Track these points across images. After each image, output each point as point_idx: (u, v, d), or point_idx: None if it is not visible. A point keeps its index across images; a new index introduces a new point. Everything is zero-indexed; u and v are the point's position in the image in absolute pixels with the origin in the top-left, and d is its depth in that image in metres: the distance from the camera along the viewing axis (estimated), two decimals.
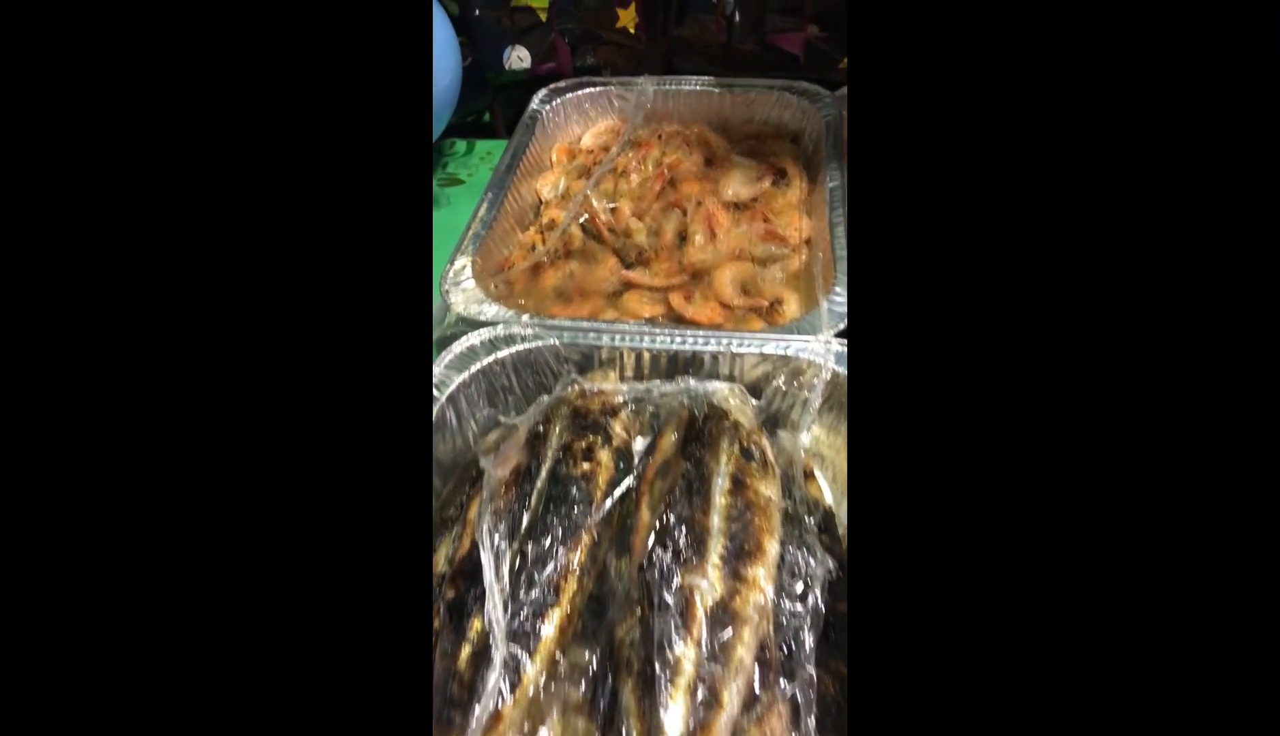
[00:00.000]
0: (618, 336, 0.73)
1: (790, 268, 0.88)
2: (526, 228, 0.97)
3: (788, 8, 1.01)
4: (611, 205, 0.96)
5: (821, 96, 1.05)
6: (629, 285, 0.86)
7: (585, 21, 1.06)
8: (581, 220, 0.95)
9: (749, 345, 0.71)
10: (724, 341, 0.71)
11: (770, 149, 1.04)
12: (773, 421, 0.71)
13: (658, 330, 0.73)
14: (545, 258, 0.89)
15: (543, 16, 1.05)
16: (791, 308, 0.83)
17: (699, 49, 1.08)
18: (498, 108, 1.21)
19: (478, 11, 1.09)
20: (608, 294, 0.86)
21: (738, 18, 1.02)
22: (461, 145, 1.20)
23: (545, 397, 0.67)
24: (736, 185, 0.98)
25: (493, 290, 0.85)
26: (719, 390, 0.65)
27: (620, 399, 0.66)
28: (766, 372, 0.71)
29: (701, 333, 0.72)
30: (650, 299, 0.85)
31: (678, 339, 0.72)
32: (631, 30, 1.05)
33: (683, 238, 0.92)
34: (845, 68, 1.07)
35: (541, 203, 1.00)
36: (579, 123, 1.12)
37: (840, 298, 0.76)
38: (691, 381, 0.67)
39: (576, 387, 0.66)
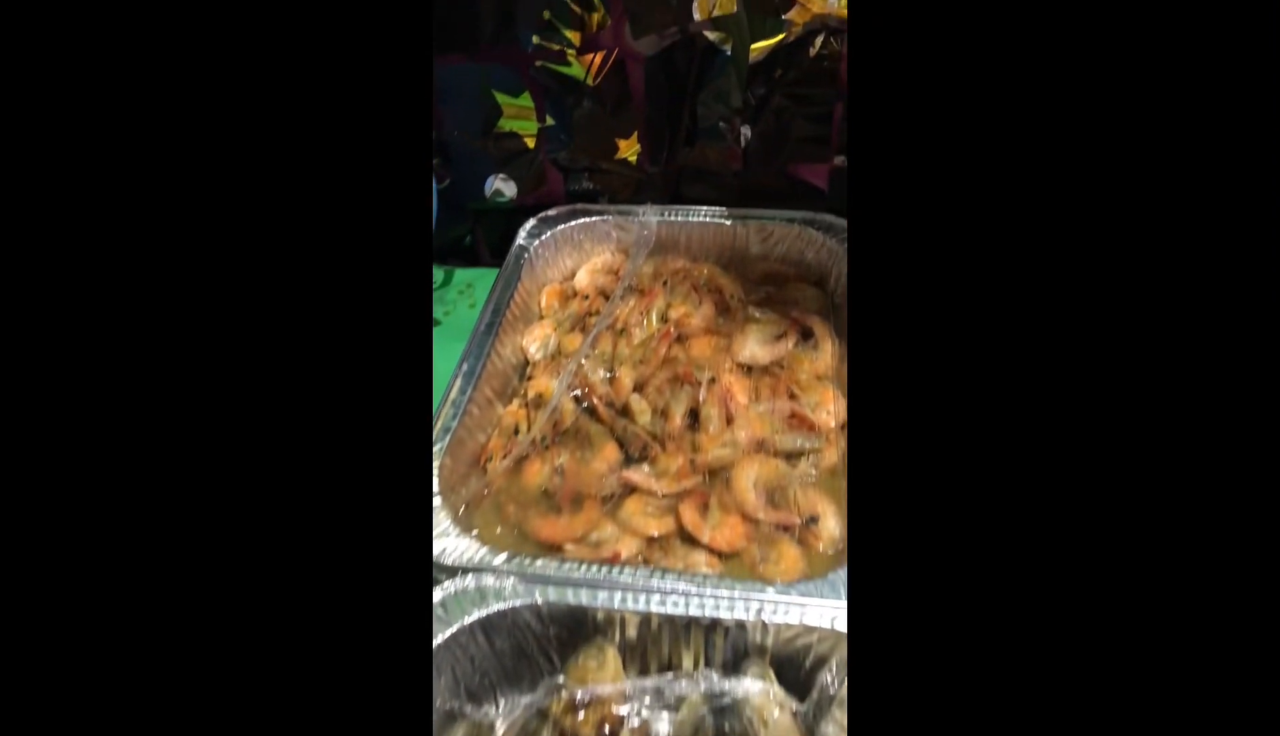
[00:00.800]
0: (616, 594, 0.58)
1: (824, 462, 0.74)
2: (509, 398, 0.82)
3: (814, 137, 0.88)
4: (609, 374, 0.81)
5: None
6: (631, 488, 0.71)
7: (580, 151, 0.92)
8: (575, 392, 0.80)
9: (785, 612, 0.56)
10: (752, 604, 0.56)
11: (792, 296, 0.90)
12: (819, 710, 0.56)
13: (667, 585, 0.58)
14: (531, 447, 0.75)
15: (530, 143, 0.92)
16: (830, 525, 0.68)
17: (709, 177, 0.95)
18: (480, 231, 1.07)
19: (456, 131, 0.96)
20: (605, 498, 0.71)
21: (753, 146, 0.90)
22: (438, 275, 1.06)
23: (525, 700, 0.52)
24: (754, 346, 0.83)
25: (465, 496, 0.70)
26: (752, 697, 0.50)
27: (622, 711, 0.50)
28: (809, 646, 0.56)
29: (724, 590, 0.57)
30: (657, 509, 0.70)
31: (694, 601, 0.57)
32: (633, 161, 0.92)
33: (695, 417, 0.77)
34: None
35: (528, 362, 0.86)
36: (573, 256, 0.98)
37: None
38: (715, 676, 0.52)
39: (563, 696, 0.51)
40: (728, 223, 0.96)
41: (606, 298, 0.91)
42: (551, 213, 0.97)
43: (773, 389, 0.80)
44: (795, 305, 0.89)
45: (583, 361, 0.81)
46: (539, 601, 0.57)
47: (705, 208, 0.96)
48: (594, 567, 0.60)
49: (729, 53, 0.81)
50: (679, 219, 0.97)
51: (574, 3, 0.77)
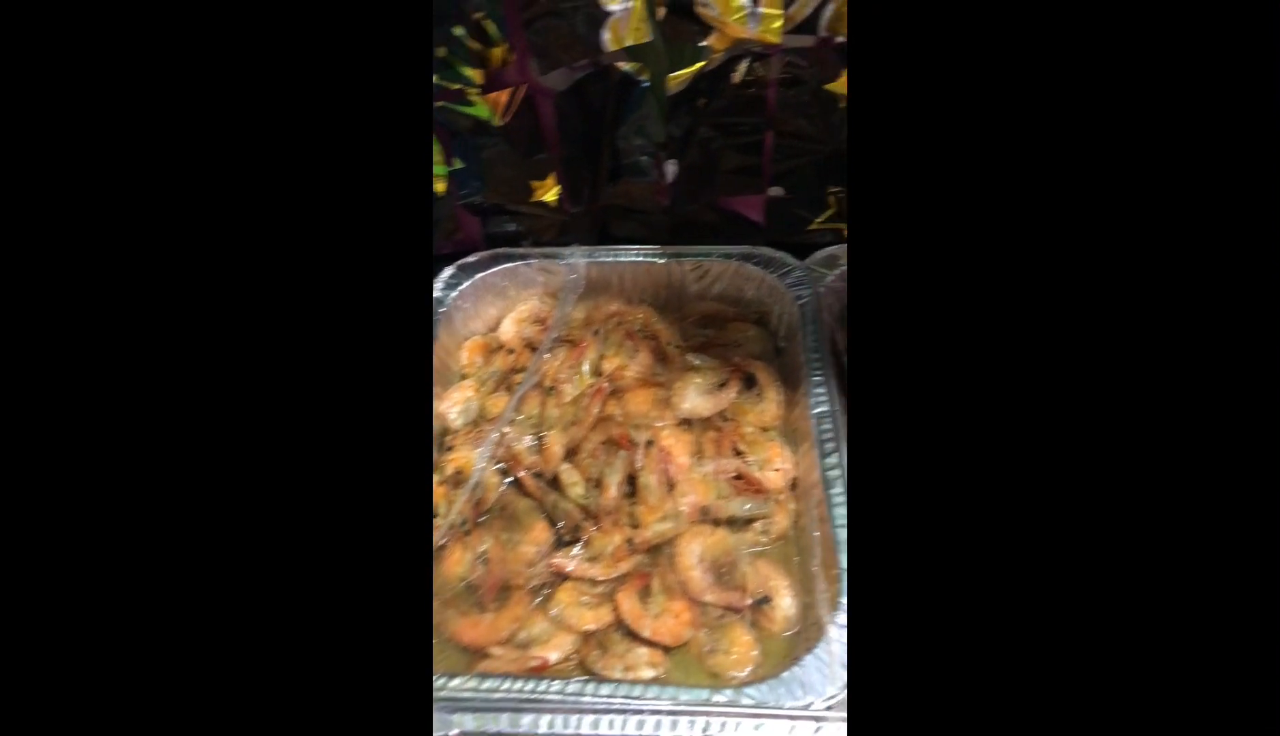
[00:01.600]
0: (543, 719, 0.50)
1: (775, 528, 0.67)
2: None
3: (744, 168, 0.82)
4: (537, 440, 0.74)
5: (790, 266, 0.86)
6: (562, 576, 0.64)
7: (494, 195, 0.85)
8: (499, 465, 0.73)
9: (736, 727, 0.49)
10: (698, 720, 0.50)
11: (733, 338, 0.84)
12: None
13: (601, 700, 0.51)
14: (449, 534, 0.67)
15: (440, 188, 0.84)
16: (784, 604, 0.61)
17: (637, 214, 0.89)
18: None
19: None
20: (534, 589, 0.64)
21: (681, 180, 0.83)
22: None
23: None
24: (695, 398, 0.77)
25: None
26: None
27: None
28: None
29: (666, 701, 0.50)
30: (593, 598, 0.63)
31: (631, 721, 0.50)
32: (553, 202, 0.85)
33: (633, 484, 0.70)
34: (817, 228, 0.88)
35: (447, 432, 0.78)
36: (496, 306, 0.91)
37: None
38: None
39: None
40: (661, 261, 0.89)
41: (534, 351, 0.83)
42: (471, 259, 0.89)
43: (717, 445, 0.73)
44: (737, 348, 0.83)
45: (507, 428, 0.74)
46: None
47: (637, 246, 0.90)
48: (518, 683, 0.52)
49: (646, 83, 0.75)
50: (610, 259, 0.90)
51: (471, 38, 0.70)
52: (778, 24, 0.70)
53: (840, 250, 0.88)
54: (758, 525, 0.67)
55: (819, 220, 0.88)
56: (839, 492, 0.63)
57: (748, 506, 0.67)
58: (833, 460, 0.66)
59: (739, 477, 0.70)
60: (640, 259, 0.89)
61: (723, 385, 0.78)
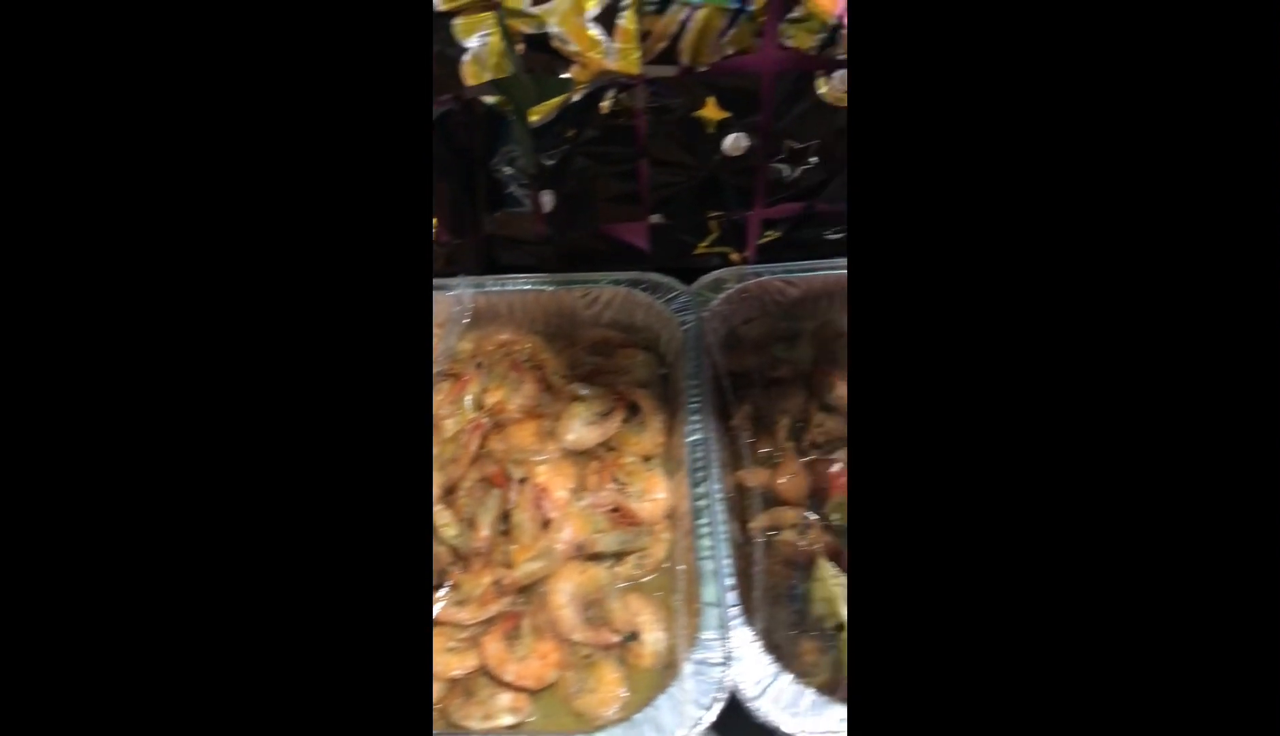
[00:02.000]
0: None
1: (650, 560, 0.67)
2: None
3: (623, 196, 0.82)
4: None
5: (676, 291, 0.86)
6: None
7: None
8: None
9: None
10: None
11: (620, 364, 0.84)
12: None
13: None
14: None
15: None
16: (652, 639, 0.61)
17: (523, 243, 0.88)
18: None
19: None
20: None
21: (560, 209, 0.83)
22: None
23: None
24: (578, 429, 0.76)
25: None
26: None
27: None
28: None
29: None
30: (460, 643, 0.62)
31: None
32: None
33: (508, 521, 0.69)
34: (702, 253, 0.88)
35: None
36: None
37: (714, 654, 0.55)
38: None
39: None
40: (551, 289, 0.89)
41: None
42: None
43: (600, 476, 0.73)
44: (624, 375, 0.82)
45: None
46: None
47: (525, 275, 0.89)
48: None
49: (512, 116, 0.75)
50: (498, 289, 0.89)
51: None
52: (635, 56, 0.70)
53: (727, 273, 0.88)
54: (633, 558, 0.67)
55: (703, 245, 0.88)
56: (706, 523, 0.63)
57: (623, 540, 0.67)
58: (702, 489, 0.66)
59: (615, 511, 0.69)
60: (529, 287, 0.89)
61: (607, 414, 0.77)
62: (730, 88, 0.73)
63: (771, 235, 0.87)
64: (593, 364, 0.84)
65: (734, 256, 0.89)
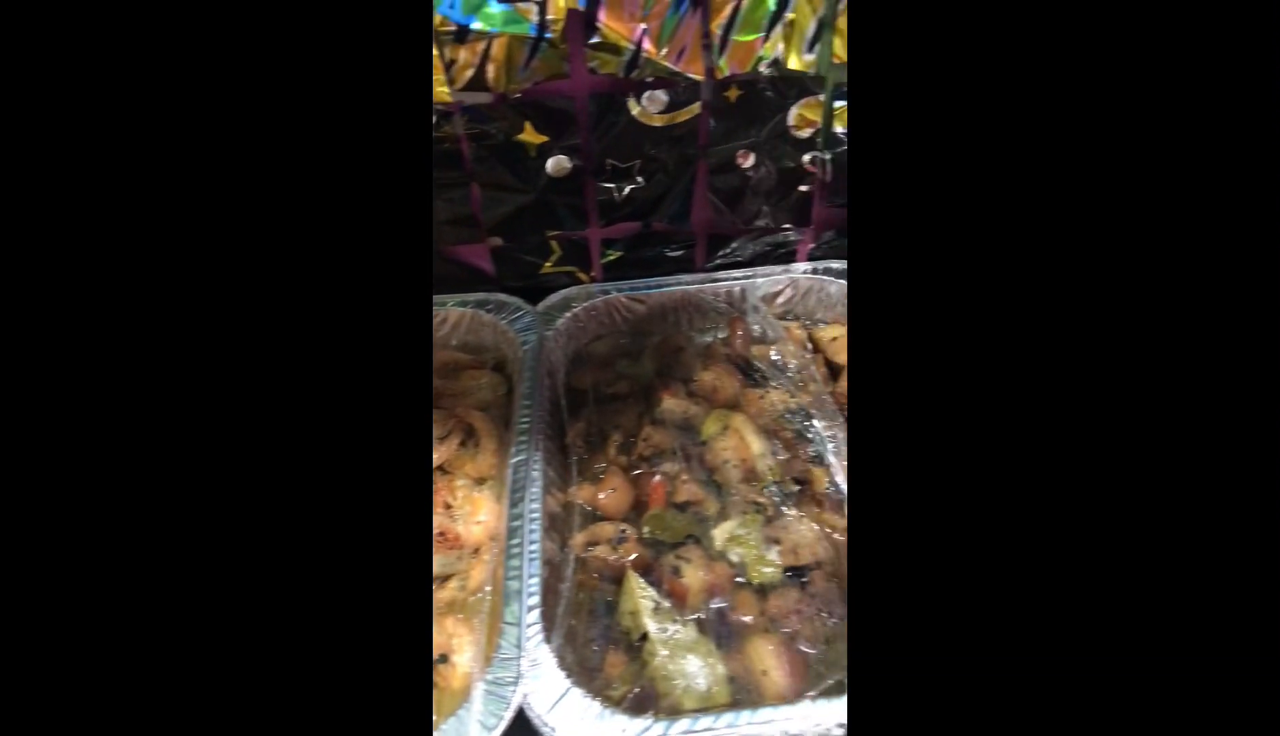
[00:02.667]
0: None
1: (471, 582, 0.67)
2: None
3: (459, 219, 0.83)
4: None
5: (522, 311, 0.87)
6: None
7: None
8: None
9: None
10: None
11: (464, 386, 0.84)
12: None
13: None
14: None
15: None
16: (462, 660, 0.62)
17: None
18: None
19: None
20: None
21: None
22: None
23: None
24: None
25: None
26: None
27: None
28: None
29: None
30: None
31: None
32: None
33: None
34: (549, 272, 0.89)
35: None
36: None
37: (509, 672, 0.55)
38: None
39: None
40: None
41: None
42: None
43: (436, 500, 0.73)
44: (466, 398, 0.83)
45: None
46: None
47: None
48: None
49: None
50: None
51: None
52: (443, 88, 0.71)
53: (576, 292, 0.89)
54: (454, 581, 0.67)
55: (548, 265, 0.89)
56: (517, 543, 0.64)
57: (445, 563, 0.68)
58: (518, 510, 0.67)
59: (441, 536, 0.70)
60: None
61: (443, 438, 0.78)
62: (546, 112, 0.75)
63: (614, 254, 0.89)
64: (442, 384, 0.85)
65: (581, 276, 0.91)
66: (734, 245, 0.90)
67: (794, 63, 0.74)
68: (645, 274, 0.90)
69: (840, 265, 0.90)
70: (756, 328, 0.87)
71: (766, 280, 0.90)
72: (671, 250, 0.89)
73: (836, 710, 0.52)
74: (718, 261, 0.92)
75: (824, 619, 0.61)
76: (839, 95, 0.77)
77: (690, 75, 0.73)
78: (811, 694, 0.55)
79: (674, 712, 0.55)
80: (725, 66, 0.73)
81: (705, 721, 0.52)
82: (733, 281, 0.90)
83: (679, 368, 0.83)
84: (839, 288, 0.89)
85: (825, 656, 0.59)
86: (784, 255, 0.92)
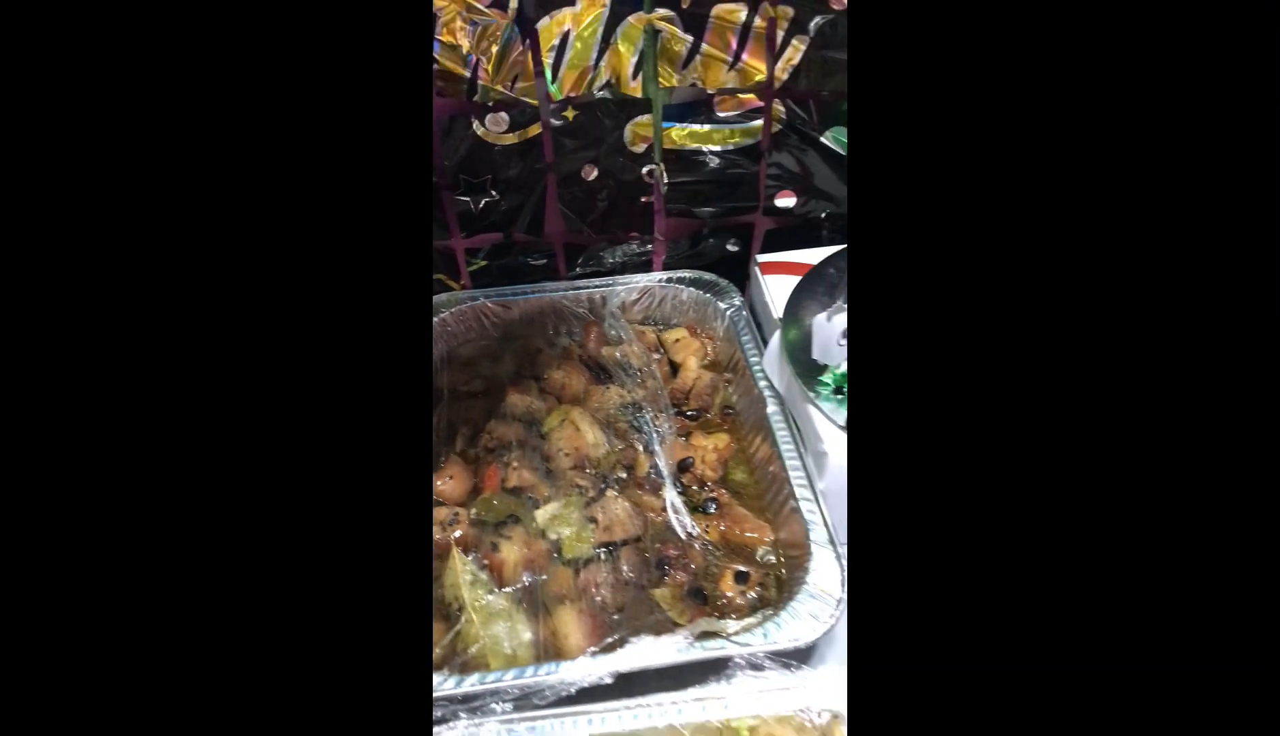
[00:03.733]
0: None
1: None
2: None
3: None
4: None
5: None
6: None
7: None
8: None
9: None
10: None
11: None
12: None
13: None
14: None
15: None
16: None
17: None
18: None
19: None
20: None
21: None
22: None
23: None
24: None
25: None
26: None
27: None
28: None
29: None
30: None
31: None
32: None
33: None
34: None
35: None
36: None
37: None
38: None
39: None
40: None
41: None
42: None
43: None
44: None
45: None
46: None
47: None
48: None
49: None
50: None
51: None
52: None
53: (446, 299, 0.95)
54: None
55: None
56: None
57: None
58: None
59: None
60: None
61: None
62: None
63: (480, 263, 0.95)
64: None
65: (451, 283, 0.97)
66: (591, 254, 0.97)
67: (624, 88, 0.82)
68: (513, 281, 0.97)
69: (691, 274, 0.97)
70: (611, 331, 0.94)
71: (625, 288, 0.97)
72: (534, 259, 0.96)
73: (611, 662, 0.58)
74: (580, 271, 0.98)
75: (630, 588, 0.67)
76: (666, 116, 0.85)
77: (525, 99, 0.80)
78: (592, 649, 0.61)
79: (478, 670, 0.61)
80: (559, 92, 0.81)
81: (494, 676, 0.58)
82: (594, 289, 0.97)
83: (534, 368, 0.90)
84: (690, 294, 0.96)
85: (622, 620, 0.65)
86: (643, 264, 0.99)
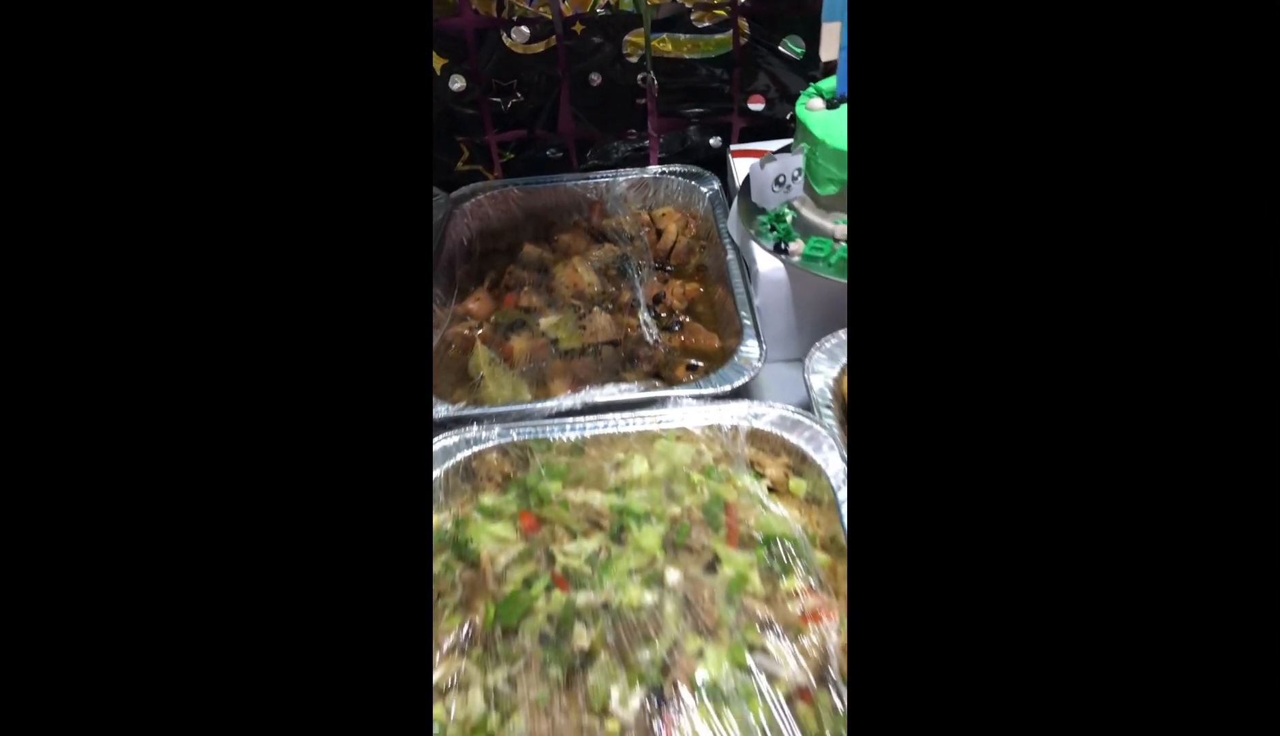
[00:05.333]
0: None
1: None
2: None
3: None
4: None
5: (438, 197, 1.17)
6: None
7: None
8: None
9: None
10: None
11: None
12: None
13: None
14: None
15: None
16: None
17: None
18: None
19: None
20: None
21: None
22: None
23: None
24: None
25: None
26: None
27: None
28: None
29: None
30: None
31: None
32: None
33: None
34: (462, 170, 1.19)
35: None
36: None
37: None
38: None
39: None
40: None
41: None
42: None
43: None
44: None
45: None
46: None
47: None
48: None
49: None
50: None
51: None
52: None
53: (480, 185, 1.19)
54: None
55: (460, 163, 1.19)
56: None
57: None
58: None
59: None
60: None
61: None
62: (443, 41, 1.05)
63: (509, 155, 1.18)
64: None
65: (486, 174, 1.20)
66: (598, 149, 1.19)
67: (620, 6, 1.03)
68: (535, 173, 1.20)
69: (680, 166, 1.18)
70: (610, 207, 1.16)
71: (625, 178, 1.19)
72: (552, 153, 1.19)
73: (583, 396, 0.80)
74: (589, 163, 1.21)
75: (607, 373, 0.89)
76: (654, 28, 1.06)
77: (542, 14, 1.03)
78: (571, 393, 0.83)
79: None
80: (569, 8, 1.03)
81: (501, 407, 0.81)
82: (601, 179, 1.19)
83: (548, 234, 1.13)
84: (679, 182, 1.17)
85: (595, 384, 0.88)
86: (641, 158, 1.21)
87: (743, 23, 1.06)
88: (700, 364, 0.90)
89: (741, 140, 1.16)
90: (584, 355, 0.91)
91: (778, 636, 0.56)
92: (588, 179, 1.19)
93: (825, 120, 0.87)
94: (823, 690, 0.54)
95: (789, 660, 0.55)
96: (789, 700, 0.53)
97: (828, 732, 0.52)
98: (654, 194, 1.20)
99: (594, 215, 1.15)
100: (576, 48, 1.07)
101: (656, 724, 0.52)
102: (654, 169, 1.19)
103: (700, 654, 0.55)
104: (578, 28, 1.05)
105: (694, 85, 1.12)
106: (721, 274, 1.00)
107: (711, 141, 1.18)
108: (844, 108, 0.87)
